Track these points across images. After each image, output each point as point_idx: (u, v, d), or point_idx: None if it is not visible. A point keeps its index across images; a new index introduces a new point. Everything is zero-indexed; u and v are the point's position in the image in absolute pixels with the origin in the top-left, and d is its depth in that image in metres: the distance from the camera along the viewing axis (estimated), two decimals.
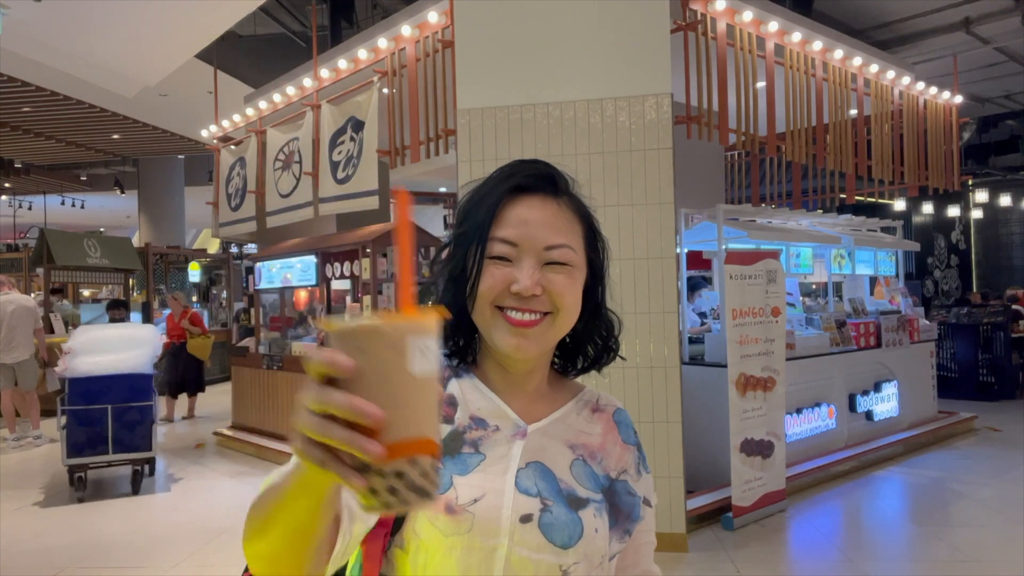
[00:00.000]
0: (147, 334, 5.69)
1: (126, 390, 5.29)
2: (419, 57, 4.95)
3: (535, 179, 0.85)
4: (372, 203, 5.24)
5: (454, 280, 0.86)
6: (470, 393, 0.89)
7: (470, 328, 0.88)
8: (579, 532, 0.83)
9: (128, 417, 5.31)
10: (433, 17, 4.75)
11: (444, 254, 0.90)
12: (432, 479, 0.51)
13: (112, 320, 7.17)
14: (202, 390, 8.86)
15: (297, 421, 0.51)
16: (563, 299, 0.82)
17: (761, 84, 5.25)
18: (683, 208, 5.22)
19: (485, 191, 0.86)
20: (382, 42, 5.17)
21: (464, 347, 0.91)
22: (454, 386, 0.89)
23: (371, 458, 0.48)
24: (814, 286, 9.24)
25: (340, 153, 5.58)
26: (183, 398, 8.72)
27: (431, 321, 0.51)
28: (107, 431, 5.24)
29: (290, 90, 6.36)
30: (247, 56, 10.14)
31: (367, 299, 5.89)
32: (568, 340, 0.94)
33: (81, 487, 5.31)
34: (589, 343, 0.93)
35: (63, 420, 5.24)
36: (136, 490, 5.50)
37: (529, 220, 0.83)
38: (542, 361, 0.91)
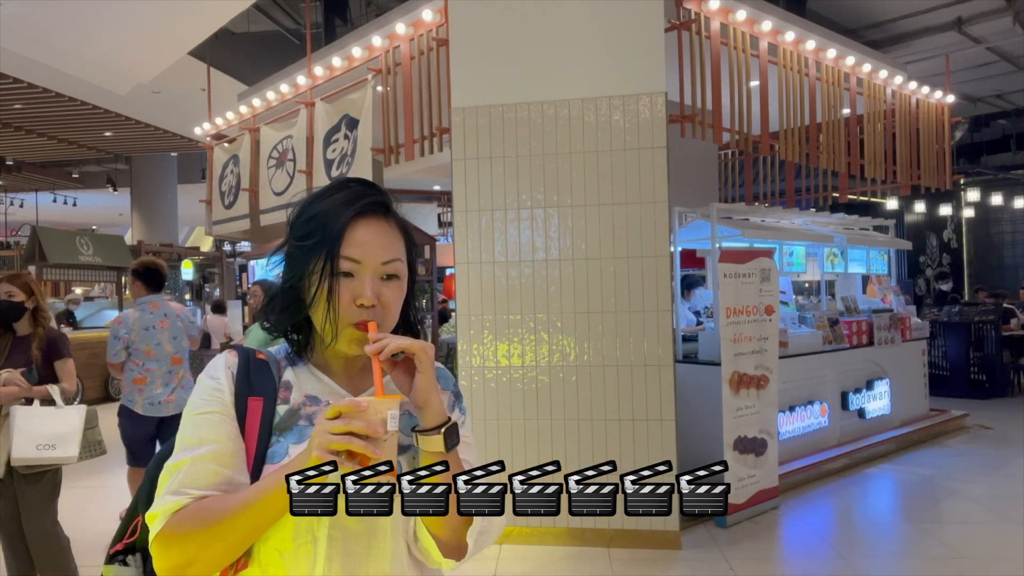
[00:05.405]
0: None
1: None
2: (414, 55, 4.94)
3: (373, 205, 1.03)
4: None
5: (292, 286, 1.03)
6: (304, 377, 1.07)
7: (305, 323, 1.05)
8: None
9: None
10: (427, 15, 4.74)
11: (280, 257, 1.06)
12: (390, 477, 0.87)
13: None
14: None
15: (323, 440, 0.85)
16: (390, 310, 1.02)
17: (755, 83, 5.26)
18: (677, 207, 5.22)
19: (326, 209, 1.01)
20: (376, 40, 5.16)
21: (302, 341, 1.08)
22: (289, 373, 1.07)
23: (370, 453, 0.85)
24: (807, 284, 9.28)
25: (334, 151, 5.57)
26: None
27: (397, 400, 0.90)
28: None
29: (284, 88, 6.34)
30: (241, 53, 10.11)
31: None
32: None
33: None
34: (400, 326, 1.12)
35: None
36: None
37: (370, 241, 1.01)
38: None
